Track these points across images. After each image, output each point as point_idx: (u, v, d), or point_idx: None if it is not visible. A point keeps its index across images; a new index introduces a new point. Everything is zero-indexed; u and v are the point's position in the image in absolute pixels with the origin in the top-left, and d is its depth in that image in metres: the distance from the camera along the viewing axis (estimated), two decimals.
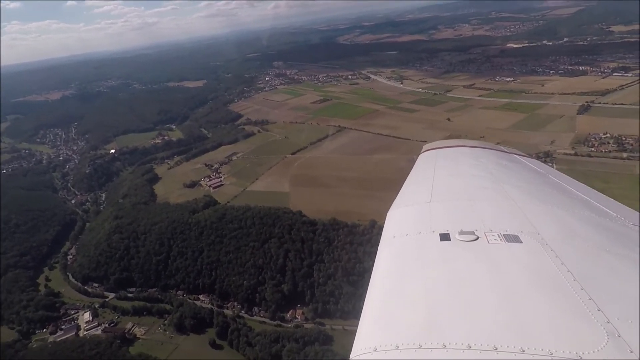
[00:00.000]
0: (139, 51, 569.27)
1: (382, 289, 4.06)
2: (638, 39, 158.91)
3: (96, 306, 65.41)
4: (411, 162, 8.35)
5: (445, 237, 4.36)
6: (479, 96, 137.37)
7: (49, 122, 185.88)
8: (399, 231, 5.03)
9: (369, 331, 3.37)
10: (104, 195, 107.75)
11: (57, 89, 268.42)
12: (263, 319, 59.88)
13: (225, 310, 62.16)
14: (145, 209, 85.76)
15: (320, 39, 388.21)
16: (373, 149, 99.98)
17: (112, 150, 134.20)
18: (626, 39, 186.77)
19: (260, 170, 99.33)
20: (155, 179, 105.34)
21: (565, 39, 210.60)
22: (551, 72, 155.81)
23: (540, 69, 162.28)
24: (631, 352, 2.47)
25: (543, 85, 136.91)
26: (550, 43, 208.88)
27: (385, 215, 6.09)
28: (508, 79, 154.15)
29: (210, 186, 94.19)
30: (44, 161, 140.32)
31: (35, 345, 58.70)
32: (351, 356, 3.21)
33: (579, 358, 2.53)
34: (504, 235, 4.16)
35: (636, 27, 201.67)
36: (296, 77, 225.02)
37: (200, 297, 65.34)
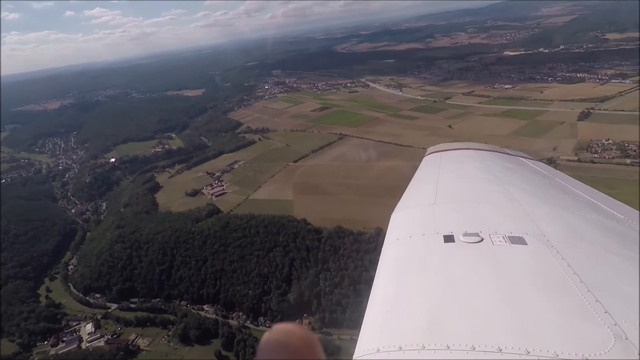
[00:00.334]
0: (137, 61, 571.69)
1: (385, 290, 3.97)
2: (635, 46, 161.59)
3: (98, 317, 64.31)
4: (414, 169, 8.27)
5: (449, 238, 4.26)
6: (479, 103, 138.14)
7: (48, 131, 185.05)
8: (402, 233, 4.98)
9: (372, 332, 3.33)
10: (104, 204, 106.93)
11: (56, 98, 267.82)
12: (269, 329, 58.80)
13: (231, 321, 61.24)
14: (147, 218, 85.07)
15: (318, 48, 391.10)
16: (375, 157, 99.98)
17: (112, 159, 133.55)
18: (622, 47, 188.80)
19: (262, 179, 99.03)
20: (157, 187, 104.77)
21: (561, 47, 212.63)
22: (549, 79, 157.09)
23: (538, 76, 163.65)
24: (639, 354, 2.44)
25: (542, 92, 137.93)
26: (547, 51, 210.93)
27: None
28: (507, 86, 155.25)
29: (212, 195, 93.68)
30: (43, 170, 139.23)
31: (36, 358, 57.55)
32: (354, 357, 3.14)
33: (584, 359, 2.49)
34: (508, 237, 4.07)
35: (631, 34, 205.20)
36: (295, 85, 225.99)
37: (205, 307, 64.40)
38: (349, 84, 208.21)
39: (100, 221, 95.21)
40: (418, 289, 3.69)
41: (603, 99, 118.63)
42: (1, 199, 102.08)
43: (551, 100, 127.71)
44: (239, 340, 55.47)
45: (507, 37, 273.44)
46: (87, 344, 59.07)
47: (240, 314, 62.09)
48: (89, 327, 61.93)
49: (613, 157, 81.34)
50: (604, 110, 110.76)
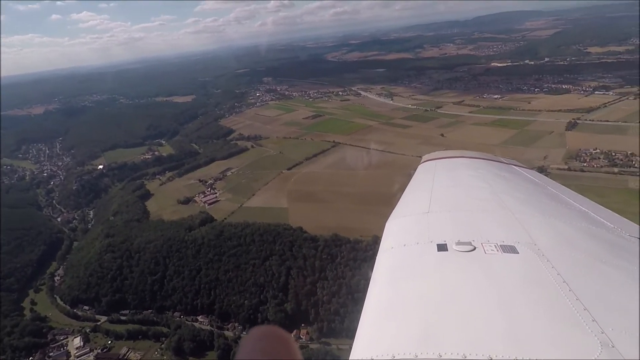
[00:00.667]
0: (125, 66, 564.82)
1: (379, 298, 3.99)
2: (616, 60, 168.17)
3: (87, 330, 61.67)
4: (409, 178, 8.27)
5: (442, 247, 4.31)
6: (469, 113, 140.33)
7: (32, 137, 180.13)
8: (396, 241, 4.99)
9: (366, 340, 3.32)
10: (92, 212, 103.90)
11: (40, 103, 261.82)
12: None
13: (226, 332, 59.63)
14: (138, 226, 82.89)
15: (308, 56, 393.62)
16: (370, 165, 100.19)
17: (100, 166, 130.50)
18: (603, 60, 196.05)
19: (256, 186, 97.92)
20: (147, 195, 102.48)
21: (546, 59, 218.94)
22: (536, 90, 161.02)
23: (525, 87, 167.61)
24: None
25: (530, 103, 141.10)
26: (532, 62, 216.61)
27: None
28: (495, 97, 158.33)
29: (205, 202, 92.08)
30: (27, 177, 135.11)
31: None
32: None
33: None
34: (500, 245, 4.12)
35: (612, 48, 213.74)
36: (287, 92, 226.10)
37: (199, 318, 62.58)
38: (340, 92, 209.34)
39: (88, 230, 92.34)
40: (411, 298, 3.71)
41: (588, 110, 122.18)
42: None
43: (539, 110, 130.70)
44: (235, 352, 53.93)
45: (494, 49, 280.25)
46: (76, 359, 56.60)
47: (236, 324, 60.54)
48: (77, 341, 59.33)
49: (601, 166, 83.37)
50: (590, 120, 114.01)
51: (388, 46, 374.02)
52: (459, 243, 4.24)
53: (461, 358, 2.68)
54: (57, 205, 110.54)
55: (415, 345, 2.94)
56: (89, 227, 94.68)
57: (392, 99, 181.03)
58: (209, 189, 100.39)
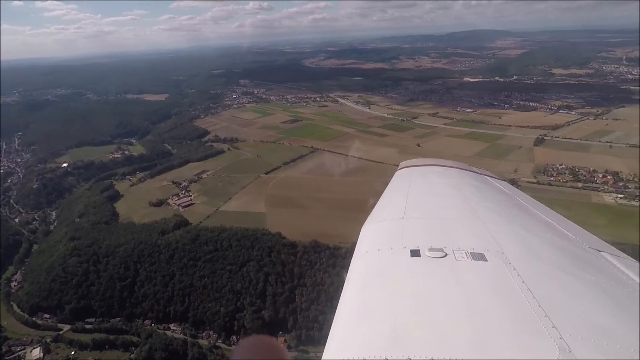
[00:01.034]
0: (93, 60, 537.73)
1: (351, 302, 4.08)
2: (577, 82, 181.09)
3: (48, 341, 57.36)
4: (387, 186, 8.44)
5: (415, 253, 4.46)
6: (444, 124, 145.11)
7: None
8: (371, 246, 5.11)
9: (338, 344, 3.38)
10: (54, 213, 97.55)
11: None
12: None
13: (200, 340, 57.53)
14: (106, 229, 78.67)
15: (286, 60, 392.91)
16: (349, 171, 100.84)
17: (65, 164, 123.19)
18: (566, 81, 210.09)
19: (233, 190, 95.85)
20: (117, 196, 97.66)
21: (515, 77, 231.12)
22: (506, 106, 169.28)
23: (496, 103, 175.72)
24: None
25: (500, 118, 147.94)
26: (502, 80, 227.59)
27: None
28: (469, 110, 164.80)
29: (179, 205, 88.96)
30: None
31: None
32: None
33: None
34: (471, 253, 4.29)
35: (574, 71, 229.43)
36: (264, 96, 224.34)
37: (172, 326, 60.01)
38: (318, 99, 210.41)
39: (50, 232, 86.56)
40: (383, 302, 3.79)
41: (554, 127, 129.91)
42: None
43: (509, 125, 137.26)
44: None
45: (466, 65, 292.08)
46: None
47: (211, 332, 58.54)
48: (37, 352, 55.03)
49: (567, 181, 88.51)
50: (556, 137, 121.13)
51: (365, 55, 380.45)
52: (431, 249, 4.39)
53: None
54: (14, 205, 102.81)
55: (385, 348, 3.00)
56: (51, 229, 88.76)
57: (369, 108, 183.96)
58: (184, 192, 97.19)
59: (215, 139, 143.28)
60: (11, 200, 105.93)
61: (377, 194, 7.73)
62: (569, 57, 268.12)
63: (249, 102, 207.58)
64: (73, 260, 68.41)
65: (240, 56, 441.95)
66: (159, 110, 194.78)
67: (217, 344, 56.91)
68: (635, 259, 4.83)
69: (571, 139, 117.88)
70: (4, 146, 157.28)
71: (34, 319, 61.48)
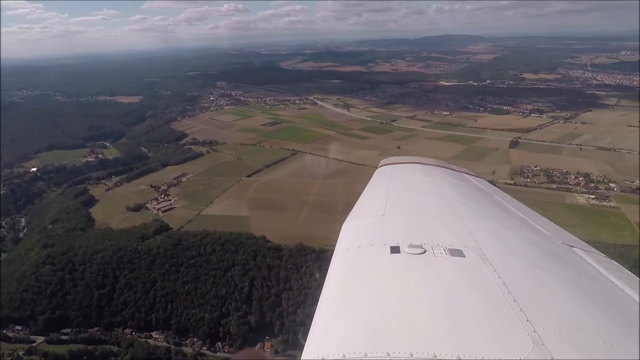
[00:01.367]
0: (61, 60, 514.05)
1: (331, 299, 4.15)
2: (546, 87, 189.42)
3: (20, 354, 54.46)
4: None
5: (395, 249, 4.56)
6: (422, 127, 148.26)
7: None
8: (352, 243, 5.21)
9: (318, 341, 3.46)
10: (24, 220, 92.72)
11: None
12: (228, 355, 55.28)
13: (184, 348, 56.24)
14: (82, 235, 75.63)
15: (262, 63, 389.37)
16: (331, 173, 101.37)
17: (34, 168, 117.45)
18: (536, 86, 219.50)
19: (214, 193, 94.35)
20: (92, 201, 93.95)
21: (488, 81, 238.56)
22: (481, 109, 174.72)
23: (471, 106, 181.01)
24: (552, 358, 2.83)
25: (476, 121, 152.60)
26: (476, 83, 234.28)
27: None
28: (445, 113, 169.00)
29: (159, 210, 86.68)
30: None
31: None
32: None
33: None
34: (449, 249, 4.43)
35: (543, 76, 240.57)
36: (242, 98, 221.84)
37: (154, 334, 58.34)
38: (297, 101, 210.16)
39: (20, 240, 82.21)
40: (363, 299, 3.84)
41: (527, 130, 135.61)
42: None
43: (484, 128, 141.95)
44: None
45: (441, 68, 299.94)
46: None
47: (196, 339, 57.32)
48: None
49: (542, 182, 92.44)
50: (530, 140, 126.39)
51: (342, 58, 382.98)
52: (410, 246, 4.49)
53: (407, 357, 2.87)
54: None
55: (364, 345, 3.07)
56: (21, 236, 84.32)
57: (348, 110, 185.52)
58: (163, 196, 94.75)
59: (194, 141, 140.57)
60: None
61: (360, 196, 7.83)
62: (538, 63, 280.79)
63: (227, 105, 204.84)
64: (47, 269, 65.31)
65: (216, 58, 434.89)
66: (133, 113, 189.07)
67: (202, 351, 55.88)
68: (606, 255, 5.11)
69: (544, 141, 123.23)
70: None
71: (4, 331, 58.17)
